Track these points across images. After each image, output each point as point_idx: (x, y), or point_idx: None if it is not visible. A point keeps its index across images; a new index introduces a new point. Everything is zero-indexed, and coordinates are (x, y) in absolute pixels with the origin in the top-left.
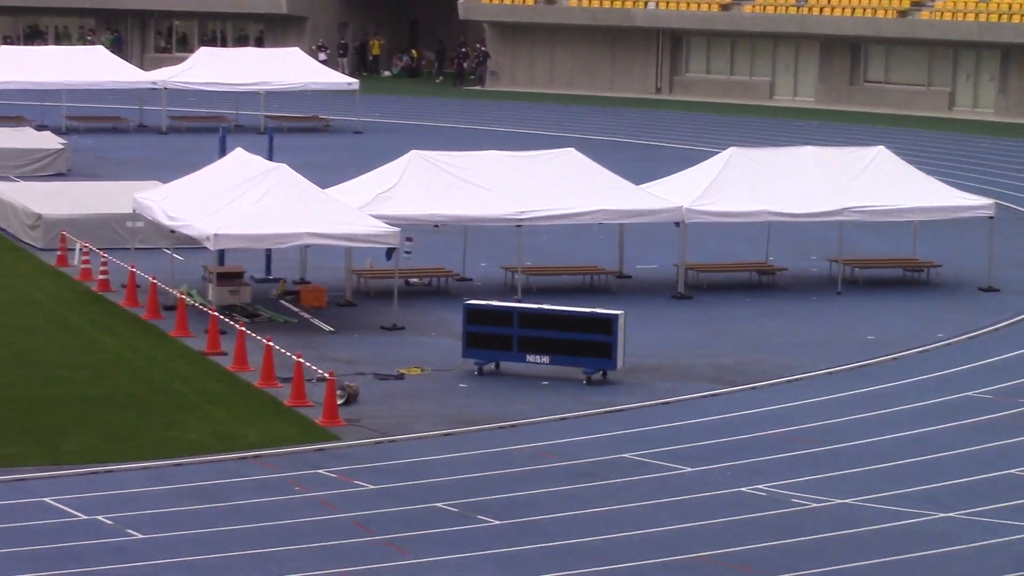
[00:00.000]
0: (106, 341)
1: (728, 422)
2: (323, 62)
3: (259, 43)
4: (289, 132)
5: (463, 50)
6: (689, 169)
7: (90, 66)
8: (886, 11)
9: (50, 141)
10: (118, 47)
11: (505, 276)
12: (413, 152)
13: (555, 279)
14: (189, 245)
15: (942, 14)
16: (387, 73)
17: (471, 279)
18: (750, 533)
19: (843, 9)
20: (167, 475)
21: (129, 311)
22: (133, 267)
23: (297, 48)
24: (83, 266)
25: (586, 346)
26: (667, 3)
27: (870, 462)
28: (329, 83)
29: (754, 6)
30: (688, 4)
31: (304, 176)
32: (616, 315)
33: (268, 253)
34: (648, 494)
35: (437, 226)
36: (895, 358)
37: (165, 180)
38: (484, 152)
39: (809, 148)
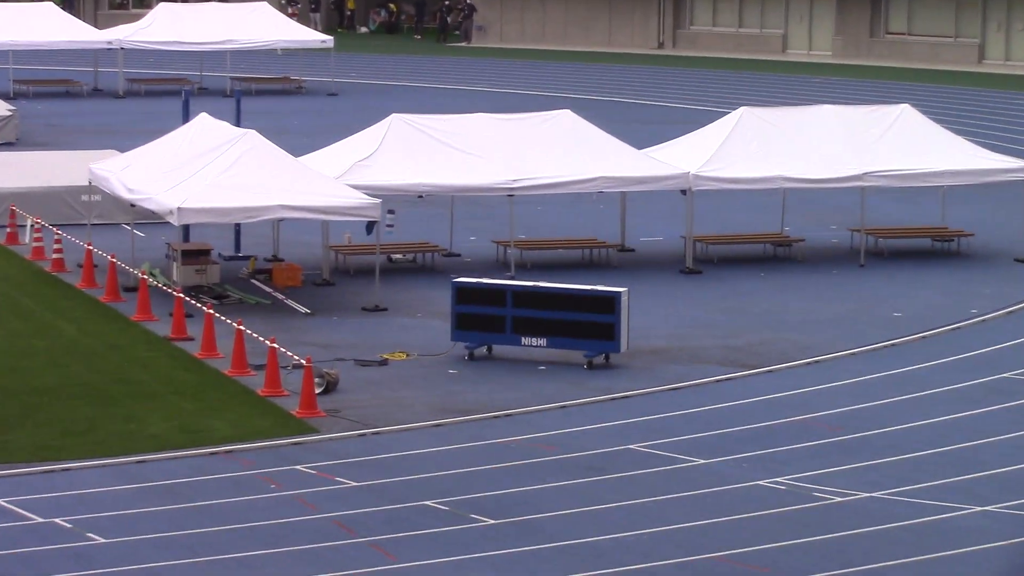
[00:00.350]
0: (61, 326)
1: (743, 409)
2: (294, 17)
3: None
4: (258, 95)
5: (446, 3)
6: (696, 131)
7: (39, 25)
8: None
9: None
10: (69, 3)
11: (497, 251)
12: (394, 116)
13: (551, 254)
14: (151, 220)
15: None
16: (364, 29)
17: (459, 254)
18: (769, 530)
19: None
20: (129, 473)
21: (86, 293)
22: (90, 245)
23: (265, 2)
24: (35, 244)
25: (587, 327)
26: None
27: (899, 451)
28: (301, 40)
29: None
30: None
31: (275, 143)
32: (619, 292)
33: (237, 228)
34: (657, 488)
35: (421, 196)
36: (924, 336)
37: (123, 149)
38: (471, 115)
39: (827, 107)
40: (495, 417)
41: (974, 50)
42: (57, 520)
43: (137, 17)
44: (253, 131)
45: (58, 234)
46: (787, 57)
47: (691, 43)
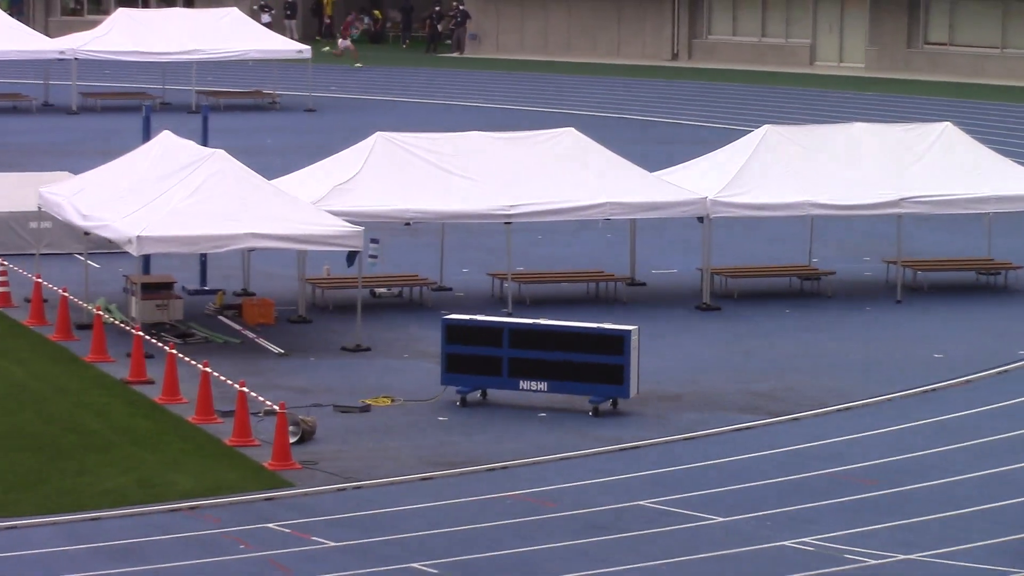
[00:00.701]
0: (6, 368)
1: (766, 461)
2: (267, 25)
3: (189, 2)
4: (227, 110)
5: (437, 9)
6: (714, 152)
7: None
8: None
9: None
10: (18, 9)
11: (492, 285)
12: (378, 134)
13: (553, 288)
14: (107, 250)
15: None
16: (343, 43)
17: (451, 289)
18: None
19: None
20: (81, 532)
21: (34, 331)
22: (39, 277)
23: (235, 8)
24: None
25: (592, 369)
26: None
27: (941, 508)
28: (275, 50)
29: None
30: None
31: (246, 164)
32: (628, 331)
33: (203, 259)
34: (671, 550)
35: (408, 224)
36: (969, 380)
37: (77, 171)
38: (464, 133)
39: (859, 125)
40: (490, 470)
41: (1022, 62)
42: None
43: (93, 24)
44: (221, 151)
45: (3, 265)
46: (815, 70)
47: (709, 54)
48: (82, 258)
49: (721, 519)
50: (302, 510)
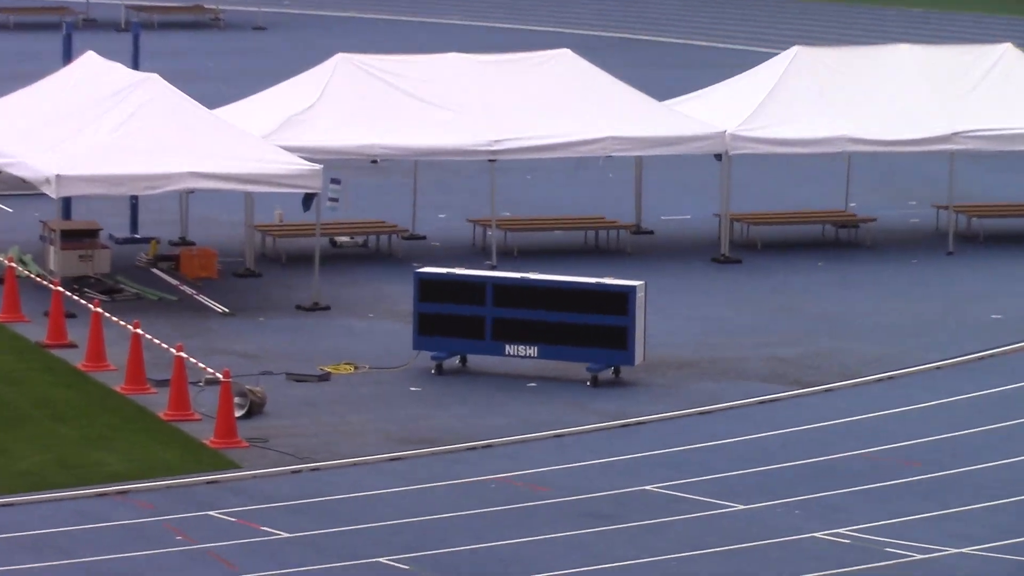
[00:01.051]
0: None
1: (794, 439)
2: None
3: None
4: (162, 28)
5: None
6: (736, 77)
7: None
8: None
9: None
10: None
11: (473, 232)
12: (340, 56)
13: (544, 236)
14: (20, 191)
15: None
16: None
17: (424, 237)
18: None
19: None
20: None
21: None
22: None
23: None
24: None
25: (591, 332)
26: None
27: (995, 495)
28: None
29: None
30: None
31: (184, 92)
32: (633, 287)
33: (134, 203)
34: (683, 542)
35: (376, 162)
36: None
37: None
38: (441, 56)
39: (905, 47)
40: (470, 449)
41: None
42: None
43: None
44: (155, 75)
45: None
46: None
47: None
48: None
49: (741, 507)
50: (250, 495)
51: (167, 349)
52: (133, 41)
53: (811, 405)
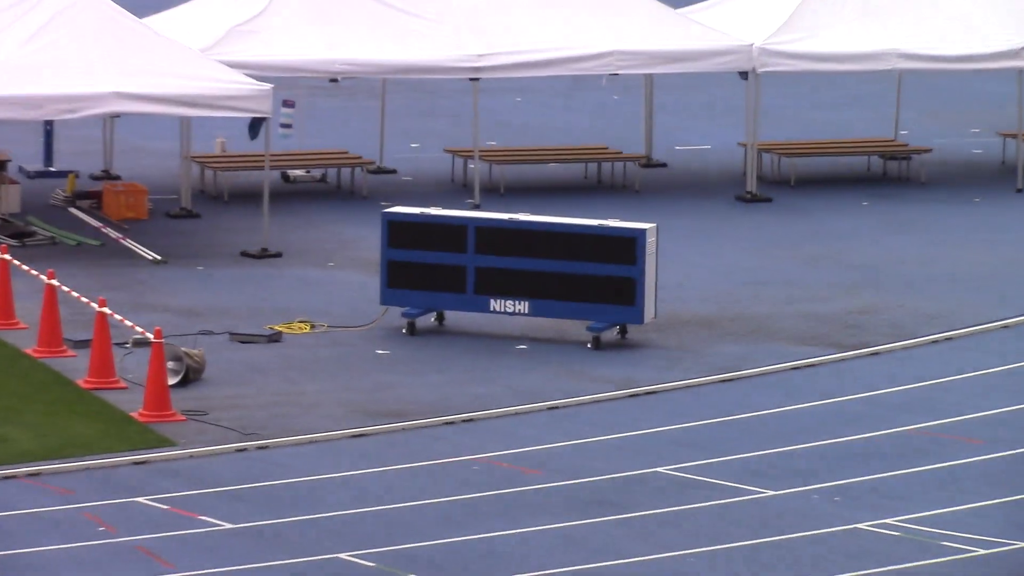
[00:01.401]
0: None
1: (833, 412)
2: None
3: None
4: None
5: None
6: None
7: None
8: None
9: None
10: None
11: (452, 165)
12: None
13: (536, 170)
14: None
15: None
16: None
17: (394, 171)
18: None
19: None
20: None
21: None
22: None
23: None
24: None
25: (592, 284)
26: None
27: None
28: None
29: None
30: None
31: None
32: (642, 231)
33: (48, 129)
34: (703, 535)
35: (336, 80)
36: None
37: None
38: None
39: None
40: (447, 423)
41: None
42: None
43: None
44: None
45: None
46: None
47: None
48: None
49: (771, 492)
50: (186, 479)
51: (88, 304)
52: None
53: (853, 371)
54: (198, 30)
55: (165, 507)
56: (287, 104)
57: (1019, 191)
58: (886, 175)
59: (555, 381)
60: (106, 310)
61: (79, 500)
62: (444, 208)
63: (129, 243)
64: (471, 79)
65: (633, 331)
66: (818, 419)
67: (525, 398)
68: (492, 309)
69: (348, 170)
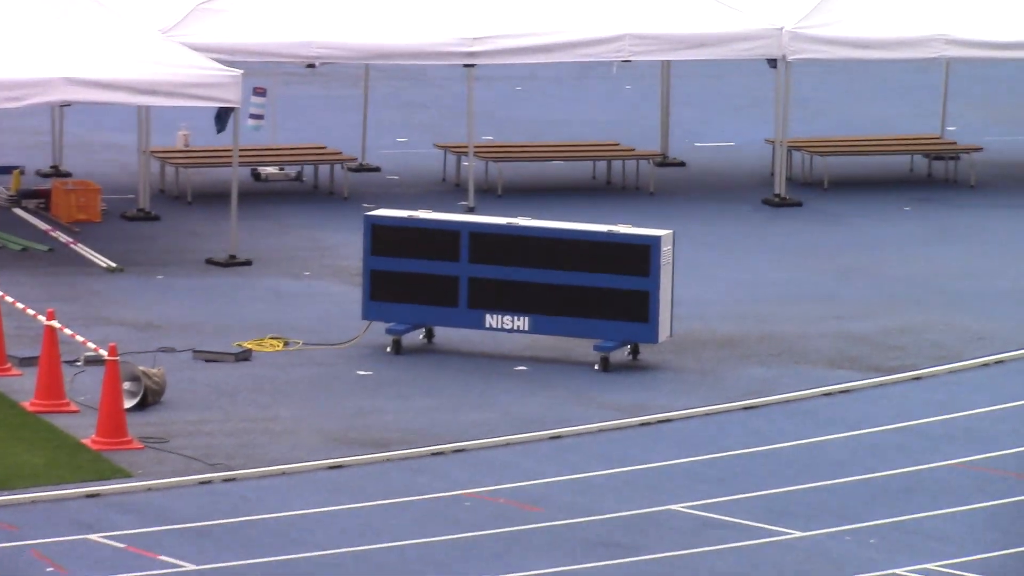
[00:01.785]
0: None
1: (868, 444)
2: None
3: None
4: None
5: None
6: None
7: None
8: None
9: None
10: None
11: (444, 162)
12: None
13: (539, 168)
14: None
15: None
16: None
17: (378, 168)
18: None
19: None
20: None
21: None
22: None
23: None
24: None
25: (601, 298)
26: None
27: None
28: None
29: None
30: None
31: None
32: (657, 238)
33: None
34: None
35: (314, 66)
36: None
37: None
38: None
39: None
40: (436, 454)
41: None
42: None
43: None
44: None
45: None
46: None
47: None
48: None
49: (798, 533)
50: (143, 513)
51: (35, 317)
52: None
53: (893, 397)
54: (158, 8)
55: (121, 545)
56: (258, 92)
57: None
58: (931, 177)
59: (558, 407)
60: (55, 324)
61: (25, 537)
62: (434, 211)
63: (81, 248)
64: (465, 65)
65: (646, 351)
66: (852, 451)
67: (524, 426)
68: (488, 325)
69: (326, 167)
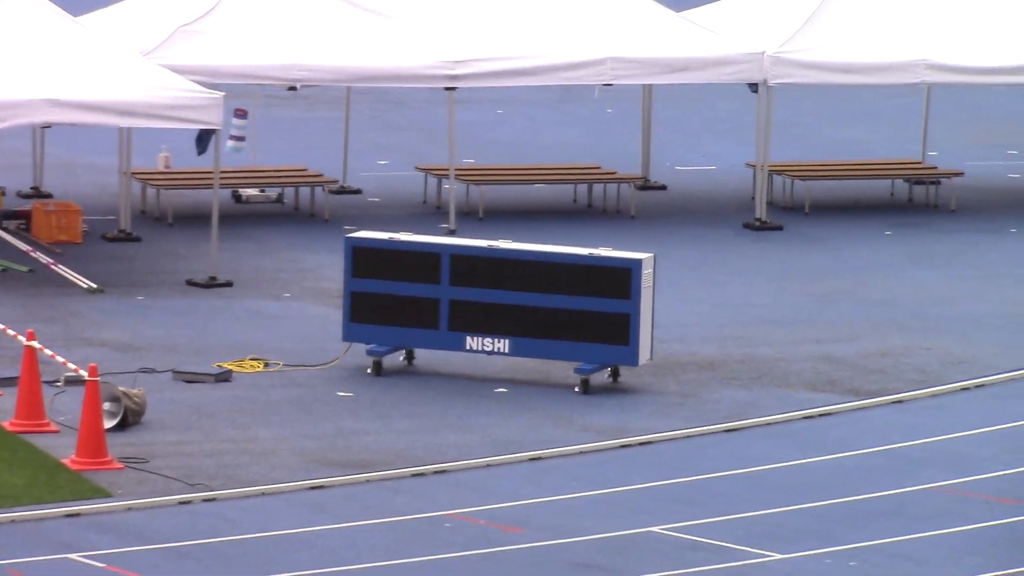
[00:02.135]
0: None
1: (848, 467)
2: None
3: None
4: None
5: None
6: None
7: None
8: None
9: None
10: None
11: (425, 185)
12: None
13: (521, 192)
14: None
15: None
16: None
17: (359, 191)
18: None
19: None
20: None
21: None
22: None
23: None
24: None
25: (580, 321)
26: None
27: None
28: None
29: None
30: None
31: None
32: (638, 261)
33: None
34: None
35: (295, 88)
36: None
37: None
38: None
39: None
40: (416, 475)
41: None
42: None
43: None
44: None
45: None
46: None
47: None
48: None
49: (778, 556)
50: (124, 534)
51: (15, 337)
52: None
53: (873, 421)
54: (139, 31)
55: (101, 565)
56: (239, 114)
57: None
58: (912, 201)
59: (538, 429)
60: (35, 344)
61: (4, 556)
62: (415, 233)
63: (61, 269)
64: (447, 88)
65: (626, 374)
66: (833, 474)
67: (504, 448)
68: (468, 347)
69: (307, 189)
